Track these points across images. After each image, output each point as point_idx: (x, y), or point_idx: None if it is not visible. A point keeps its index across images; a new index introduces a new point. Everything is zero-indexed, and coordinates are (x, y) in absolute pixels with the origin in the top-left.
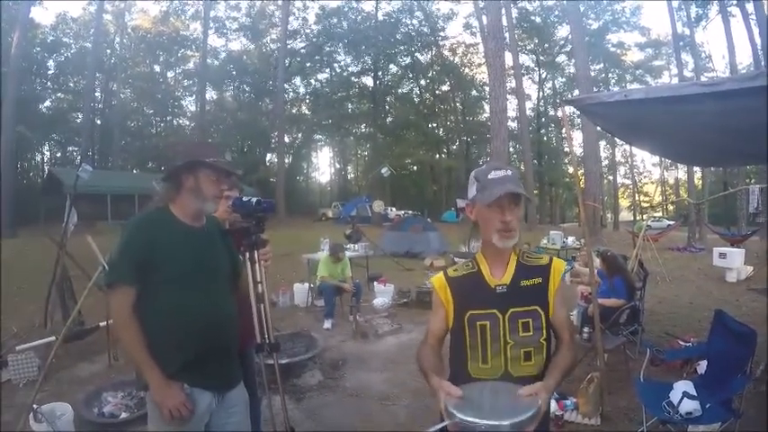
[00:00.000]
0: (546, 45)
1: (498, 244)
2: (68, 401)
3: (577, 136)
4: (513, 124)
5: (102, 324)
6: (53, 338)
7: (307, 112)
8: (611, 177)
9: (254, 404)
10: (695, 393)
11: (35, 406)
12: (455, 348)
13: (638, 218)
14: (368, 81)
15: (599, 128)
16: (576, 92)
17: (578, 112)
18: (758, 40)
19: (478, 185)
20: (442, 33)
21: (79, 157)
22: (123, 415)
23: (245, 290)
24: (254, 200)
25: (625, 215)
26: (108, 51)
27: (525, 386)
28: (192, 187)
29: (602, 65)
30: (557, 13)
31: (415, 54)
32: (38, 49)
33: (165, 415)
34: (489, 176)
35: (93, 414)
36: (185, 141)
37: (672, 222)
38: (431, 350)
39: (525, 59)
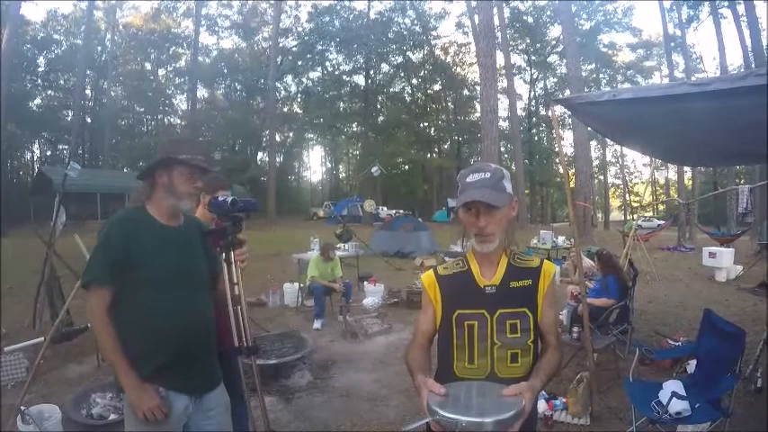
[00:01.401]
0: (538, 45)
1: (476, 248)
2: (56, 403)
3: (568, 136)
4: (504, 124)
5: (90, 324)
6: (41, 339)
7: (298, 110)
8: (601, 177)
9: (242, 407)
10: (684, 393)
11: (23, 407)
12: (442, 347)
13: (628, 218)
14: (359, 80)
15: (589, 128)
16: (567, 92)
17: (569, 112)
18: (749, 42)
19: (460, 188)
20: (434, 32)
21: (69, 156)
22: (112, 416)
23: (225, 292)
24: (230, 199)
25: (616, 215)
26: (99, 49)
27: (510, 386)
28: (166, 185)
29: (593, 65)
30: (549, 13)
31: (407, 53)
32: (28, 46)
33: (140, 418)
34: (467, 179)
35: (82, 415)
36: (166, 137)
37: (662, 222)
38: (419, 349)
39: (517, 59)
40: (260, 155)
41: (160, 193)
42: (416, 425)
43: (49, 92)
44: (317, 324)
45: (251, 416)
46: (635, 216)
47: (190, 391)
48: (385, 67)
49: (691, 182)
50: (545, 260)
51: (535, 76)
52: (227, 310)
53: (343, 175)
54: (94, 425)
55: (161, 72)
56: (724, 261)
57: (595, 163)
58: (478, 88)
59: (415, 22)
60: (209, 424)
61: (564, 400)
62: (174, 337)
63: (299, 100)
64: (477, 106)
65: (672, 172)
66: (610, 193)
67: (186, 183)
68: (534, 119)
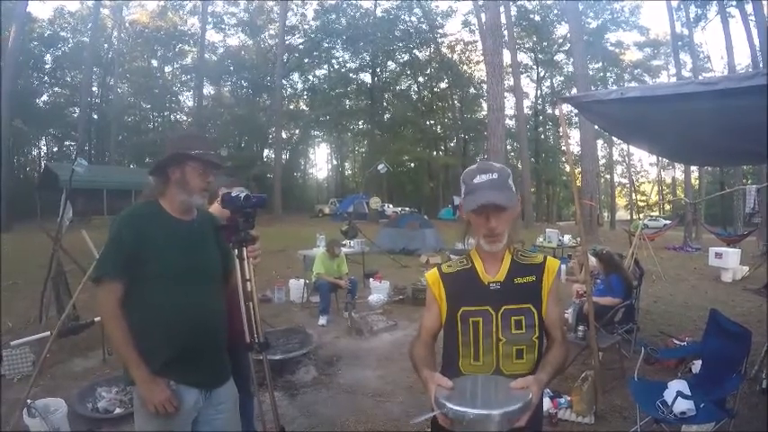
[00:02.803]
0: (544, 43)
1: (485, 248)
2: (62, 397)
3: (575, 134)
4: (510, 122)
5: (96, 319)
6: (48, 333)
7: (304, 108)
8: (608, 176)
9: (248, 402)
10: (689, 393)
11: (29, 401)
12: (447, 344)
13: (634, 217)
14: (366, 78)
15: (596, 126)
16: (574, 90)
17: (576, 111)
18: (757, 42)
19: (465, 189)
20: (440, 30)
21: (75, 152)
22: (117, 410)
23: (237, 287)
24: (243, 195)
25: (622, 214)
26: (105, 46)
27: (517, 379)
28: (179, 180)
29: (600, 64)
30: (556, 11)
31: (414, 51)
32: (35, 43)
33: (151, 411)
34: (474, 180)
35: (88, 409)
36: (175, 133)
37: (668, 222)
38: (423, 346)
39: (524, 57)
40: (266, 152)
41: (173, 189)
42: (424, 417)
43: (56, 89)
44: (322, 320)
45: (260, 411)
46: (641, 215)
47: (200, 385)
48: (391, 65)
49: (697, 181)
50: (549, 256)
51: (542, 75)
52: (237, 306)
53: (349, 172)
54: (100, 418)
55: (167, 69)
56: (730, 261)
57: (602, 162)
58: (485, 86)
59: (422, 20)
60: (218, 418)
61: (569, 398)
62: (184, 331)
63: (305, 97)
64: (484, 104)
65: (678, 171)
66: (616, 192)
67: (199, 178)
68: (541, 117)
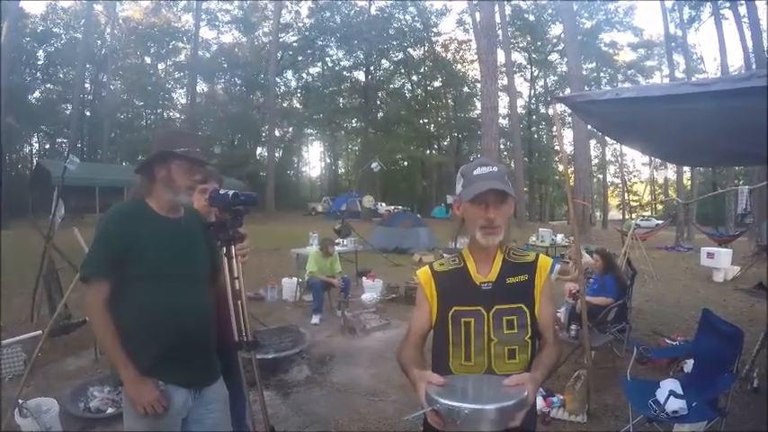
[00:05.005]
0: (539, 43)
1: (481, 241)
2: (54, 396)
3: (568, 134)
4: (504, 121)
5: (88, 318)
6: (39, 332)
7: (298, 105)
8: (600, 176)
9: (240, 401)
10: (681, 392)
11: (21, 401)
12: (437, 345)
13: (627, 217)
14: (360, 76)
15: (589, 126)
16: (568, 90)
17: (569, 111)
18: (750, 43)
19: (464, 181)
20: (434, 29)
21: (68, 149)
22: (110, 410)
23: (225, 286)
24: (231, 193)
25: (614, 214)
26: (98, 42)
27: (511, 376)
28: (165, 178)
29: (594, 64)
30: (550, 11)
31: (408, 49)
32: (27, 39)
33: (139, 411)
34: (475, 172)
35: (80, 409)
36: (162, 130)
37: (660, 222)
38: (413, 347)
39: (518, 57)
40: (259, 150)
41: (159, 187)
42: (415, 414)
43: (49, 85)
44: (315, 319)
45: (249, 410)
46: (633, 215)
47: (189, 385)
48: (385, 64)
49: (690, 182)
50: (541, 254)
51: (536, 74)
52: (227, 305)
53: (343, 170)
54: (92, 418)
55: (161, 66)
56: (722, 261)
57: (594, 162)
58: (479, 85)
59: (416, 18)
60: (209, 417)
61: (561, 397)
62: (172, 330)
63: (298, 95)
64: (477, 103)
65: (671, 172)
66: (608, 192)
67: (185, 176)
68: (534, 117)
